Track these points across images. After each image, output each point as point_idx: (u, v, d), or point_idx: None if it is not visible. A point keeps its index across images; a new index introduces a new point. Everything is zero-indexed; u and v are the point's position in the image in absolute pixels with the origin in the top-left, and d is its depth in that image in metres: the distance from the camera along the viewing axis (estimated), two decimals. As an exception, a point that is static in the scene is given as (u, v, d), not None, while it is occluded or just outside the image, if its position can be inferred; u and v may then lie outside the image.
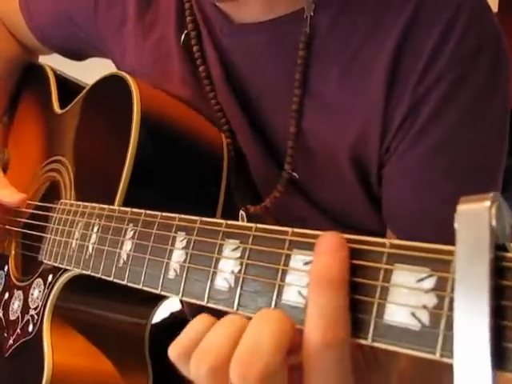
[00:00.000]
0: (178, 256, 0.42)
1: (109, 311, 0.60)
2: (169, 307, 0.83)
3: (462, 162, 0.53)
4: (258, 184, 0.63)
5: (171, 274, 0.42)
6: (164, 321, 0.86)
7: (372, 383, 0.34)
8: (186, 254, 0.41)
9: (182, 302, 0.85)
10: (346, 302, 0.30)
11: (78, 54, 0.83)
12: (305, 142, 0.58)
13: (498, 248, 0.26)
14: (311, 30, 0.55)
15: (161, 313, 0.75)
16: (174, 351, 0.35)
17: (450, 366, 0.26)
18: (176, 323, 0.85)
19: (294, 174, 0.59)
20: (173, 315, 0.89)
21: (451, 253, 0.27)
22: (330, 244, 0.31)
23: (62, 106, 0.73)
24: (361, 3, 0.54)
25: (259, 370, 0.29)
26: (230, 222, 0.39)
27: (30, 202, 0.70)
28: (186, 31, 0.63)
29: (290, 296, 0.33)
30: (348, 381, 0.31)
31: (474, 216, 0.26)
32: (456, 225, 0.27)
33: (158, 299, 0.64)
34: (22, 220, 0.70)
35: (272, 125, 0.60)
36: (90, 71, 0.80)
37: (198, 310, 0.39)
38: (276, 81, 0.59)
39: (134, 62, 0.69)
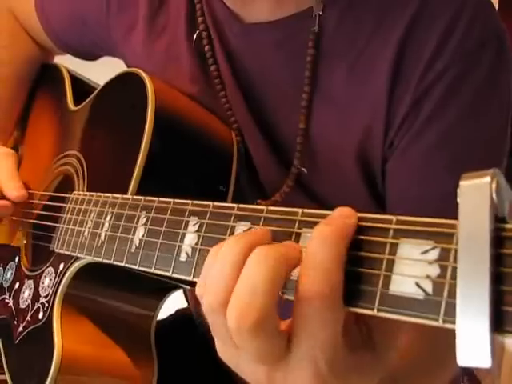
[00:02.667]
0: (190, 239, 0.43)
1: (117, 301, 0.62)
2: (175, 304, 0.84)
3: (463, 157, 0.54)
4: (264, 182, 0.65)
5: (183, 257, 0.43)
6: (170, 317, 0.87)
7: (366, 362, 0.34)
8: (199, 236, 0.42)
9: (187, 299, 0.87)
10: (342, 257, 0.31)
11: (91, 56, 0.85)
12: (313, 139, 0.60)
13: (499, 220, 0.27)
14: (319, 29, 0.57)
15: (167, 310, 0.76)
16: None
17: (452, 332, 0.28)
18: (181, 320, 0.86)
19: (303, 169, 0.61)
20: (179, 312, 0.90)
21: (454, 226, 0.29)
22: (340, 211, 0.33)
23: (76, 104, 0.75)
24: (366, 0, 0.56)
25: (253, 319, 0.31)
26: (241, 205, 0.40)
27: (43, 193, 0.72)
28: (197, 31, 0.65)
29: (300, 272, 0.35)
30: (337, 341, 0.32)
31: (476, 190, 0.28)
32: (458, 199, 0.28)
33: (164, 292, 0.65)
34: (35, 211, 0.71)
35: (280, 122, 0.62)
36: (103, 72, 0.82)
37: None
38: (285, 79, 0.61)
39: (145, 65, 0.70)
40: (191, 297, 0.84)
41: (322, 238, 0.32)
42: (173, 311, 0.88)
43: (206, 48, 0.65)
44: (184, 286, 0.64)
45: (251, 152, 0.65)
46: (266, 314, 0.31)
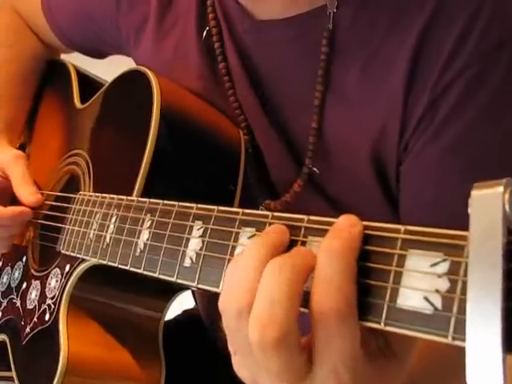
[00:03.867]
0: (194, 244, 0.42)
1: (124, 302, 0.61)
2: (182, 305, 0.84)
3: (479, 161, 0.53)
4: (276, 180, 0.64)
5: (187, 262, 0.43)
6: (177, 318, 0.87)
7: (388, 370, 0.34)
8: (203, 242, 0.42)
9: (195, 299, 0.86)
10: (353, 269, 0.31)
11: (98, 53, 0.84)
12: (326, 138, 0.59)
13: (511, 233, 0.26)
14: (333, 27, 0.56)
15: (174, 310, 0.76)
16: None
17: (462, 350, 0.27)
18: (189, 321, 0.86)
19: (315, 168, 0.60)
20: (186, 313, 0.90)
21: (465, 238, 0.28)
22: (345, 220, 0.32)
23: (82, 102, 0.75)
24: (380, 0, 0.54)
25: (276, 333, 0.30)
26: (246, 210, 0.39)
27: (49, 193, 0.71)
28: (207, 28, 0.64)
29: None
30: (357, 352, 0.31)
31: (488, 201, 0.27)
32: (469, 210, 0.27)
33: (172, 293, 0.64)
34: (42, 212, 0.71)
35: (292, 121, 0.61)
36: (111, 69, 0.82)
37: (210, 302, 0.40)
38: (297, 77, 0.60)
39: (153, 62, 0.70)
40: (202, 307, 0.83)
41: (330, 253, 0.31)
42: (179, 311, 0.88)
43: (216, 45, 0.64)
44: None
45: (263, 151, 0.63)
46: (287, 327, 0.31)
